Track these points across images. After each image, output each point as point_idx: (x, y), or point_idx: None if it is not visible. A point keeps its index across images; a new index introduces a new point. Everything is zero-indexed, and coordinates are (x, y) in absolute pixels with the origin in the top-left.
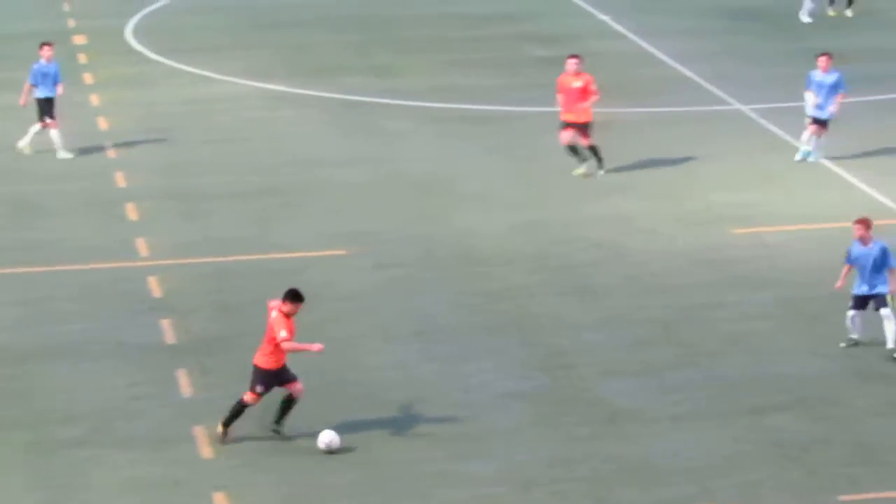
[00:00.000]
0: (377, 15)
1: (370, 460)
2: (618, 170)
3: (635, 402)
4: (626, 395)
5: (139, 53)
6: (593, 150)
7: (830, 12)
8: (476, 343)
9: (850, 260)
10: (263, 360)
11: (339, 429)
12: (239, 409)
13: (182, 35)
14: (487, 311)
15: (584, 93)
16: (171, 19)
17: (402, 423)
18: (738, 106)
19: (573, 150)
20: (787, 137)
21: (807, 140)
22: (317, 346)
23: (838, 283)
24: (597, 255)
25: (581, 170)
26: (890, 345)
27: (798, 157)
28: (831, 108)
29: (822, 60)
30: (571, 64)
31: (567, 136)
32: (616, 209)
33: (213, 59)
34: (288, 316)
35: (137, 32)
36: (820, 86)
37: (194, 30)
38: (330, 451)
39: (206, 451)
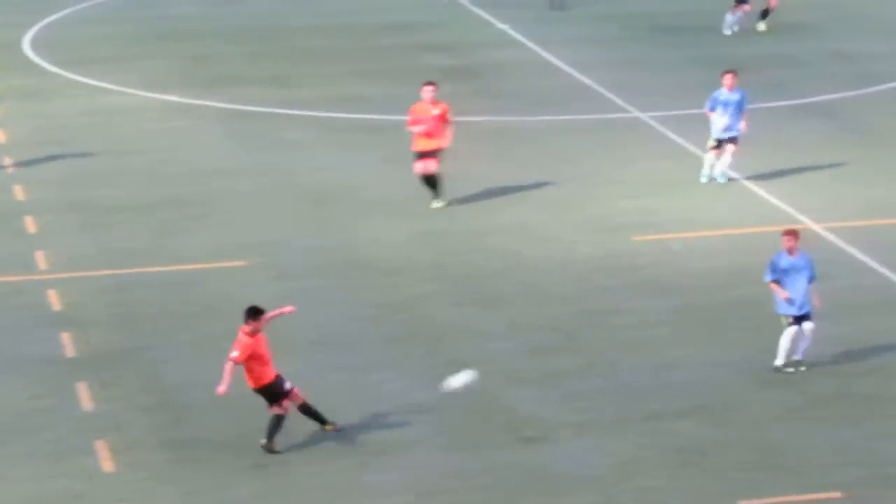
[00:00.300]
0: (275, 25)
1: (275, 471)
2: (518, 178)
3: (538, 410)
4: (528, 403)
5: (37, 65)
6: (437, 179)
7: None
8: (378, 353)
9: (777, 273)
10: (254, 380)
11: (243, 440)
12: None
13: (80, 46)
14: (389, 321)
15: (441, 120)
16: (69, 31)
17: (306, 433)
18: (637, 114)
19: (430, 182)
20: (687, 145)
21: (711, 164)
22: (221, 389)
23: (784, 296)
24: (498, 264)
25: (438, 203)
26: (799, 356)
27: (704, 179)
28: (741, 126)
29: (728, 78)
30: (428, 91)
31: (421, 166)
32: (516, 218)
33: (111, 71)
34: (252, 335)
35: (35, 44)
36: (727, 104)
37: (92, 41)
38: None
39: (107, 464)
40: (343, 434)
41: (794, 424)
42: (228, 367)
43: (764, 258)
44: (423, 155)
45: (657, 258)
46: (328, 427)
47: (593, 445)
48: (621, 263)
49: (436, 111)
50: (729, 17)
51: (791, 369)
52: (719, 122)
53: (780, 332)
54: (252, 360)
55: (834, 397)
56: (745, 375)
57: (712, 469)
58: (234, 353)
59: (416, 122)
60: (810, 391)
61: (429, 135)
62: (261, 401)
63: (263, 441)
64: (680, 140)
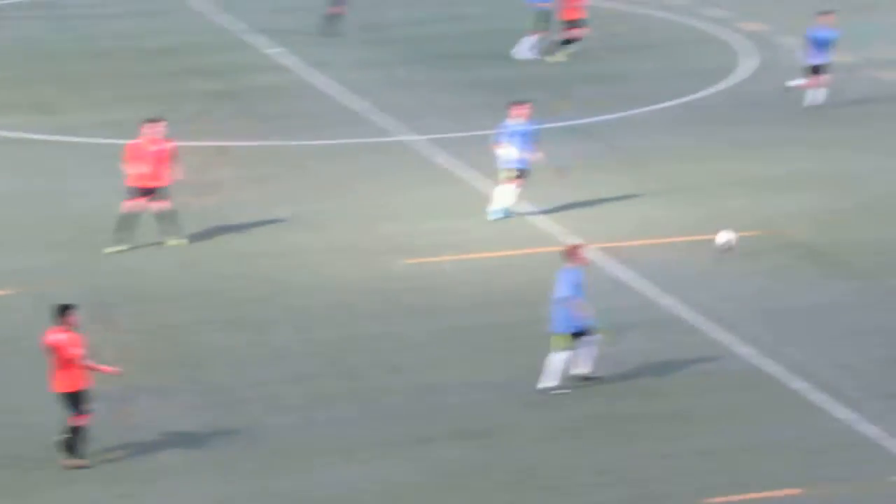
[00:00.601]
0: (37, 50)
1: (26, 497)
2: (287, 203)
3: (302, 436)
4: (293, 429)
5: None
6: (170, 216)
7: (559, 57)
8: (141, 381)
9: (577, 289)
10: (70, 383)
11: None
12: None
13: None
14: (152, 349)
15: (164, 158)
16: None
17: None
18: (409, 137)
19: (128, 223)
20: (454, 168)
21: (504, 196)
22: (116, 369)
23: (585, 311)
24: (264, 290)
25: (114, 248)
26: (585, 370)
27: (496, 216)
28: (535, 157)
29: (522, 109)
30: (155, 128)
31: (131, 204)
32: (283, 243)
33: None
34: (68, 331)
35: None
36: (524, 136)
37: None
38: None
39: None
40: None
41: (559, 445)
42: (91, 363)
43: (532, 279)
44: (139, 193)
45: (425, 281)
46: (78, 462)
47: (359, 470)
48: (389, 287)
49: (156, 148)
50: (529, 41)
51: (567, 390)
52: (512, 153)
53: (547, 352)
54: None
55: (598, 418)
56: (512, 397)
57: (479, 491)
58: (77, 351)
59: (133, 161)
60: (575, 412)
61: (148, 174)
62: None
63: (73, 460)
64: (452, 162)
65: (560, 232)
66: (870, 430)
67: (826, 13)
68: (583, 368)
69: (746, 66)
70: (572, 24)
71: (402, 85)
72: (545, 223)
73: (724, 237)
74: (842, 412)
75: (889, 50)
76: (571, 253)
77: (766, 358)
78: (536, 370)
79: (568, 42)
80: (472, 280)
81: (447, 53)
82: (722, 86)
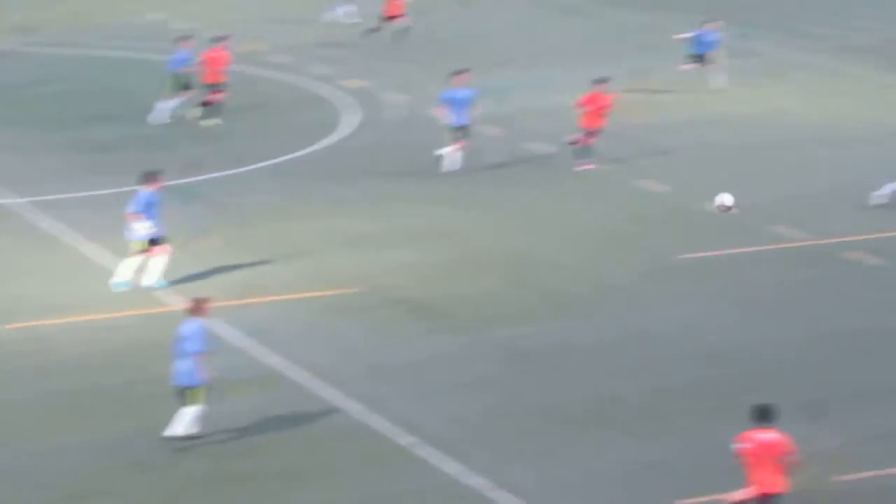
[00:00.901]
0: None
1: None
2: None
3: None
4: None
5: None
6: None
7: (212, 121)
8: None
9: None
10: None
11: None
12: None
13: None
14: None
15: None
16: None
17: None
18: (3, 200)
19: None
20: (56, 230)
21: (129, 268)
22: None
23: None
24: None
25: None
26: (193, 429)
27: (121, 287)
28: (161, 227)
29: (154, 181)
30: None
31: None
32: None
33: None
34: None
35: None
36: (155, 207)
37: None
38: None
39: None
40: None
41: None
42: None
43: (137, 340)
44: None
45: (28, 345)
46: None
47: None
48: None
49: None
50: (169, 104)
51: (192, 441)
52: (142, 226)
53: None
54: None
55: (209, 476)
56: (121, 458)
57: None
58: None
59: None
60: (185, 472)
61: None
62: None
63: None
64: (54, 225)
65: (163, 292)
66: (477, 481)
67: (460, 73)
68: (190, 428)
69: (348, 122)
70: (214, 87)
71: (2, 147)
72: (150, 284)
73: (720, 199)
74: (450, 466)
75: (497, 108)
76: (198, 307)
77: (374, 413)
78: (145, 430)
79: (207, 105)
80: (77, 342)
81: (48, 115)
82: (324, 143)
